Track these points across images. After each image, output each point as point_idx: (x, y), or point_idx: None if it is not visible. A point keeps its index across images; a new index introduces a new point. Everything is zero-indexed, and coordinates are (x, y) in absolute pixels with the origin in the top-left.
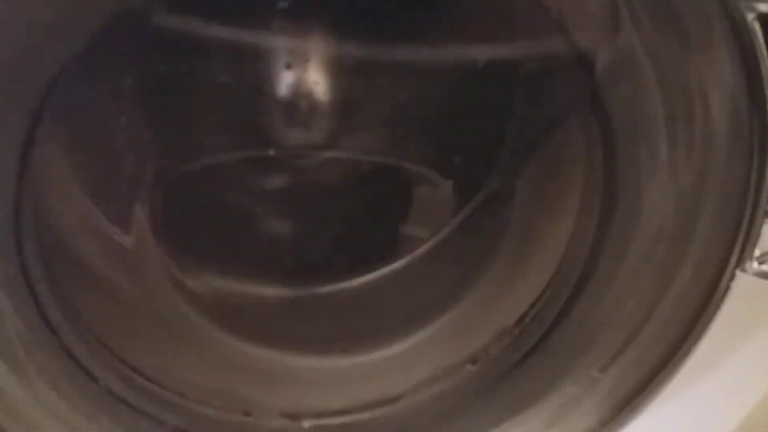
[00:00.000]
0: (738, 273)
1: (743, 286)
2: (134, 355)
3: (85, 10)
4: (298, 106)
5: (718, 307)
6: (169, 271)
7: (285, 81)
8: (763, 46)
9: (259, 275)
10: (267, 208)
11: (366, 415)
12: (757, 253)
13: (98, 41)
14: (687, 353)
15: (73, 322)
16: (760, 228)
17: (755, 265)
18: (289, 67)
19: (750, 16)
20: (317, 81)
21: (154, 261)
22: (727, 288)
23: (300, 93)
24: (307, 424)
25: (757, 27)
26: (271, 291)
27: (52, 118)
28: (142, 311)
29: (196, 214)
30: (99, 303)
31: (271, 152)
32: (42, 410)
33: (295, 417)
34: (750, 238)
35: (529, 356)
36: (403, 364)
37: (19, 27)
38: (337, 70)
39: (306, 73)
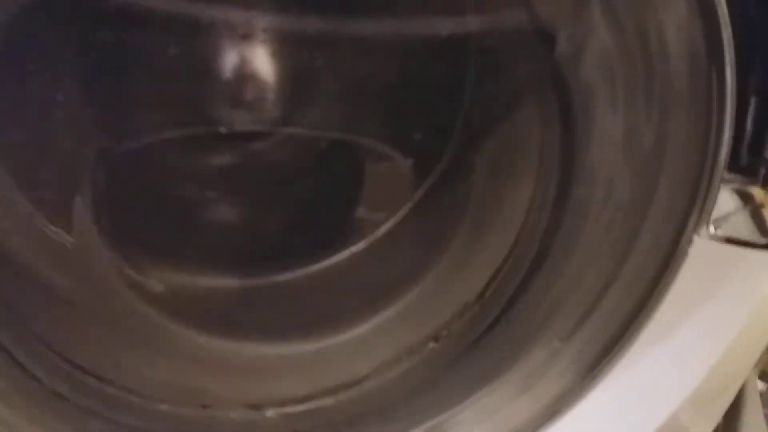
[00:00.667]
0: (695, 238)
1: (700, 251)
2: (81, 355)
3: None
4: (248, 81)
5: (676, 272)
6: (117, 267)
7: (233, 55)
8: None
9: (213, 265)
10: (218, 194)
11: (330, 400)
12: (715, 216)
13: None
14: (647, 318)
15: (12, 322)
16: (717, 192)
17: (712, 229)
18: (237, 39)
19: None
20: (267, 55)
21: (98, 257)
22: (685, 253)
23: (249, 68)
24: (270, 413)
25: None
26: (227, 281)
27: None
28: (87, 309)
29: (141, 203)
30: (39, 302)
31: (221, 129)
32: None
33: (256, 407)
34: (707, 203)
35: (491, 330)
36: (365, 347)
37: None
38: (290, 44)
39: (256, 47)
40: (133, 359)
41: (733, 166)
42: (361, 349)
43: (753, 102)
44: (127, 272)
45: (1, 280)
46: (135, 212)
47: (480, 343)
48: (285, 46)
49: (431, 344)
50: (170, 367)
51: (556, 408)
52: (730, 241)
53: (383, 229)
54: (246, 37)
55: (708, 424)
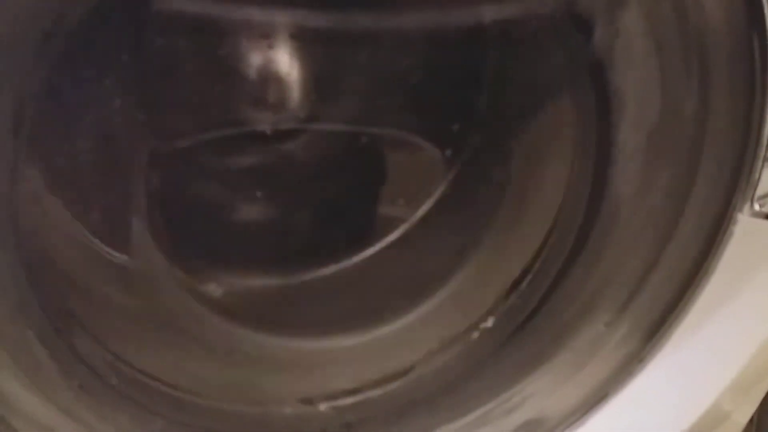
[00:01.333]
0: (740, 216)
1: (744, 229)
2: (144, 360)
3: None
4: (281, 80)
5: (721, 252)
6: (176, 277)
7: (265, 55)
8: None
9: (259, 264)
10: (257, 193)
11: (378, 392)
12: (758, 194)
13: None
14: (692, 300)
15: (83, 333)
16: (761, 169)
17: (756, 207)
18: (269, 40)
19: None
20: (297, 54)
21: (158, 270)
22: (730, 232)
23: (282, 68)
24: (322, 406)
25: None
26: (272, 279)
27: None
28: (149, 318)
29: (190, 209)
30: (105, 315)
31: (257, 129)
32: (57, 412)
33: (309, 401)
34: (751, 180)
35: (534, 315)
36: (409, 338)
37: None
38: (319, 42)
39: (287, 47)
40: (192, 362)
41: None
42: (406, 339)
43: None
44: (186, 280)
45: (67, 298)
46: (185, 218)
47: (524, 329)
48: (315, 45)
49: (474, 333)
50: (227, 368)
51: (604, 391)
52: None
53: (419, 219)
54: (290, 36)
55: (749, 408)
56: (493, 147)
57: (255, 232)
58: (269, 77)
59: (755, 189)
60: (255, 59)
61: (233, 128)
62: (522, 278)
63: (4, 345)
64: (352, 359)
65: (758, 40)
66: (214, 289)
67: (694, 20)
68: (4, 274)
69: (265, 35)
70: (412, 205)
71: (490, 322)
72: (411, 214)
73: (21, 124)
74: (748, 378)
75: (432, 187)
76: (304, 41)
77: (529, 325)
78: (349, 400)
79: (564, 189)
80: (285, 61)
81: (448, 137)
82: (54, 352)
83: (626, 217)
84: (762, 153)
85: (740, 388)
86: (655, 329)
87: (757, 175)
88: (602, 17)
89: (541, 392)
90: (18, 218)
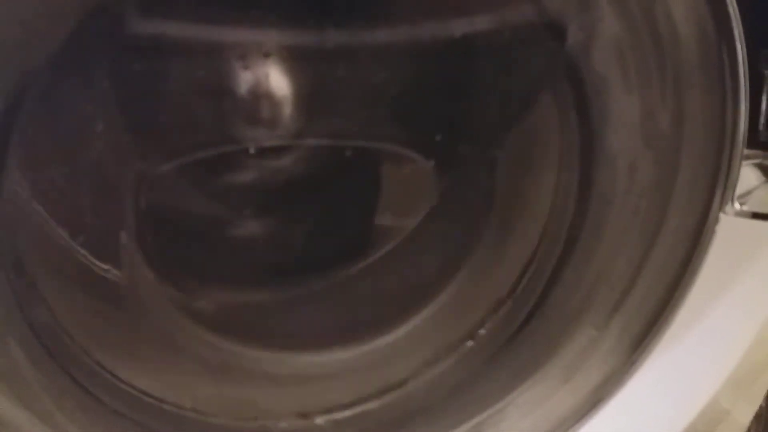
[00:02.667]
0: (722, 215)
1: (727, 228)
2: (135, 375)
3: (57, 13)
4: (270, 97)
5: (705, 252)
6: (167, 292)
7: (254, 73)
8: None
9: (251, 279)
10: (248, 210)
11: (375, 404)
12: (738, 192)
13: (69, 45)
14: (681, 300)
15: (71, 349)
16: (739, 169)
17: (737, 206)
18: (259, 58)
19: None
20: (287, 71)
21: (148, 285)
22: (713, 232)
23: (271, 85)
24: (319, 420)
25: None
26: (264, 294)
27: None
28: (139, 334)
29: (180, 225)
30: (97, 331)
31: (246, 147)
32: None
33: (306, 415)
34: (730, 180)
35: (527, 324)
36: (404, 349)
37: None
38: (308, 58)
39: (276, 64)
40: (186, 377)
41: (752, 142)
42: (400, 351)
43: (767, 77)
44: (176, 296)
45: (64, 310)
46: (175, 236)
47: (517, 338)
48: (304, 61)
49: (469, 342)
50: (221, 383)
51: (598, 396)
52: (756, 216)
53: (410, 231)
54: (267, 54)
55: (749, 407)
56: (478, 156)
57: (246, 247)
58: (253, 96)
59: (734, 188)
60: (236, 79)
61: (219, 148)
62: (514, 288)
63: None
64: (348, 372)
65: (727, 51)
66: (205, 305)
67: (665, 30)
68: None
69: (243, 55)
70: (403, 217)
71: (483, 331)
72: (402, 225)
73: (7, 140)
74: (744, 374)
75: (422, 198)
76: (284, 59)
77: (522, 333)
78: (346, 414)
79: (552, 195)
80: (267, 80)
81: (433, 148)
82: (45, 371)
83: (613, 220)
84: (738, 153)
85: (737, 384)
86: (645, 331)
87: (735, 175)
88: (573, 22)
89: (535, 400)
90: (5, 225)
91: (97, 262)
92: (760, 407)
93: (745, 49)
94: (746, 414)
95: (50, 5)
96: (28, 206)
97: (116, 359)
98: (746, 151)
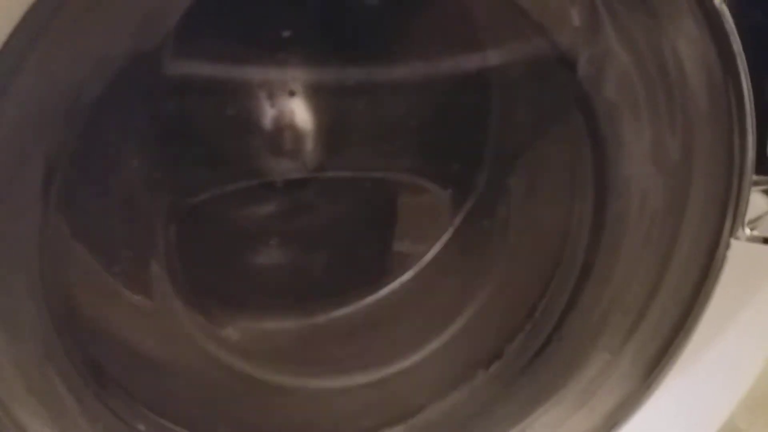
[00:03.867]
0: (732, 241)
1: (739, 253)
2: (171, 409)
3: (105, 59)
4: (293, 133)
5: (717, 277)
6: (195, 322)
7: (278, 110)
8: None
9: (276, 308)
10: (272, 240)
11: (398, 428)
12: (749, 218)
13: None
14: (695, 323)
15: (110, 383)
16: (749, 194)
17: (747, 231)
18: (284, 96)
19: None
20: (309, 108)
21: (182, 318)
22: (724, 257)
23: (294, 121)
24: None
25: None
26: (288, 322)
27: (57, 207)
28: (173, 366)
29: (207, 256)
30: (127, 363)
31: (270, 180)
32: None
33: None
34: (740, 206)
35: (544, 349)
36: (421, 375)
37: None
38: (330, 95)
39: (299, 101)
40: (214, 405)
41: (761, 168)
42: (418, 378)
43: None
44: (204, 325)
45: (92, 347)
46: (203, 266)
47: (534, 363)
48: (326, 98)
49: (484, 369)
50: (244, 409)
51: (613, 420)
52: (766, 241)
53: (428, 258)
54: (292, 93)
55: (765, 427)
56: (493, 185)
57: (270, 277)
58: (278, 131)
59: (744, 214)
60: (263, 116)
61: (246, 181)
62: (531, 314)
63: (33, 392)
64: (369, 397)
65: (732, 84)
66: (231, 333)
67: (672, 64)
68: (33, 322)
69: (270, 94)
70: (422, 246)
71: (500, 357)
72: (421, 254)
73: (50, 183)
74: (760, 396)
75: (440, 227)
76: (308, 97)
77: (539, 359)
78: None
79: (566, 223)
80: (292, 116)
81: (449, 177)
82: (81, 400)
83: (626, 246)
84: (748, 180)
85: (753, 405)
86: (660, 355)
87: (745, 201)
88: (583, 55)
89: (551, 424)
90: (45, 267)
91: (129, 292)
92: None
93: (749, 82)
94: None
95: (97, 52)
96: (68, 244)
97: (148, 389)
98: (755, 177)
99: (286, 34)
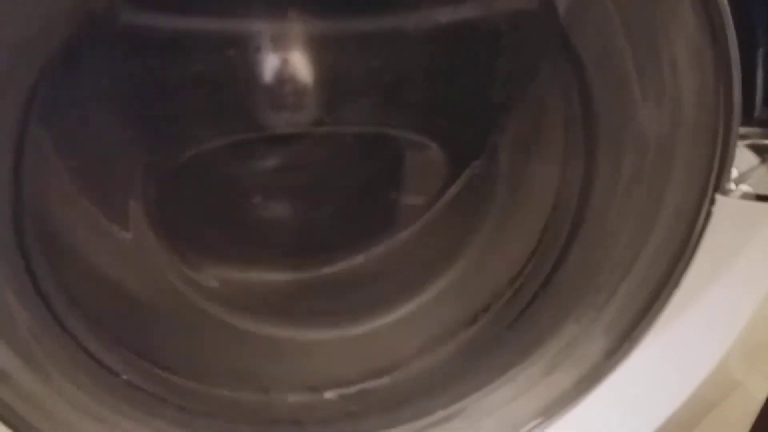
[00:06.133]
0: (718, 197)
1: (725, 210)
2: (150, 349)
3: (53, 22)
4: (278, 86)
5: (701, 233)
6: (173, 265)
7: (260, 63)
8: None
9: (264, 260)
10: (263, 193)
11: (380, 381)
12: (734, 174)
13: (71, 46)
14: (680, 276)
15: (86, 321)
16: (734, 149)
17: (743, 187)
18: (260, 49)
19: None
20: (293, 60)
21: (156, 256)
22: (709, 213)
23: (277, 73)
24: (328, 394)
25: None
26: (279, 274)
27: (39, 124)
28: (151, 305)
29: (192, 205)
30: (108, 301)
31: (261, 134)
32: (70, 407)
33: (314, 389)
34: (726, 161)
35: (529, 306)
36: (410, 329)
37: None
38: (314, 48)
39: (283, 54)
40: (195, 349)
41: (748, 120)
42: (406, 331)
43: (761, 54)
44: (182, 269)
45: (77, 282)
46: (187, 215)
47: (519, 320)
48: (318, 50)
49: (473, 324)
50: (229, 356)
51: (597, 374)
52: (761, 198)
53: (420, 214)
54: (269, 46)
55: (765, 380)
56: (487, 144)
57: (262, 229)
58: (274, 84)
59: (730, 169)
60: (258, 67)
61: (226, 137)
62: (520, 272)
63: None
64: (356, 349)
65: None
66: (209, 280)
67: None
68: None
69: (257, 47)
70: (414, 202)
71: (486, 315)
72: (413, 210)
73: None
74: (754, 343)
75: (432, 184)
76: (279, 49)
77: (525, 315)
78: (353, 389)
79: (557, 185)
80: (291, 67)
81: (448, 135)
82: (60, 344)
83: (615, 205)
84: (733, 134)
85: (748, 354)
86: (647, 308)
87: (730, 156)
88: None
89: (532, 379)
90: (21, 189)
91: (108, 221)
92: None
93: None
94: (761, 387)
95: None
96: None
97: (123, 326)
98: (743, 130)
99: None
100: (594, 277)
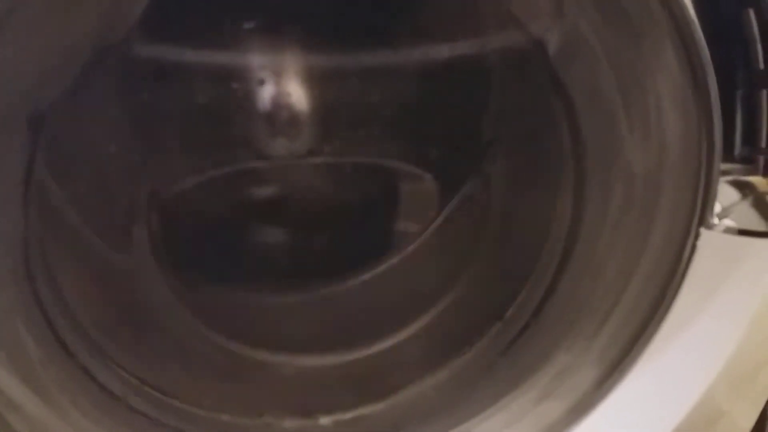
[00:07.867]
0: (702, 231)
1: (709, 244)
2: (149, 372)
3: (70, 56)
4: (278, 117)
5: (687, 265)
6: (175, 290)
7: (262, 95)
8: (702, 37)
9: (260, 284)
10: (260, 219)
11: (375, 407)
12: (717, 209)
13: (81, 78)
14: (666, 310)
15: (88, 344)
16: (716, 185)
17: (716, 221)
18: (263, 82)
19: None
20: (292, 93)
21: (158, 282)
22: (694, 246)
23: (278, 105)
24: (323, 420)
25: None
26: (273, 298)
27: (46, 154)
28: (152, 330)
29: (193, 230)
30: (110, 325)
31: (258, 164)
32: (68, 429)
33: (310, 414)
34: (708, 198)
35: (521, 335)
36: (404, 355)
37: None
38: (315, 82)
39: (281, 86)
40: (195, 375)
41: (729, 157)
42: (400, 357)
43: (740, 95)
44: (183, 294)
45: (80, 305)
46: (187, 241)
47: (511, 349)
48: (320, 84)
49: (465, 351)
50: (228, 382)
51: (587, 403)
52: (743, 233)
53: (414, 241)
54: (268, 79)
55: (752, 408)
56: (479, 175)
57: (259, 254)
58: (271, 115)
59: (713, 205)
60: (257, 99)
61: (230, 167)
62: (512, 301)
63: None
64: (351, 375)
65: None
66: (211, 306)
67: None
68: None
69: (269, 75)
70: (408, 229)
71: (479, 343)
72: (407, 237)
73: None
74: (739, 373)
75: (425, 212)
76: (283, 82)
77: (516, 344)
78: (349, 415)
79: (547, 211)
80: (289, 99)
81: (439, 166)
82: (61, 366)
83: (604, 237)
84: (715, 171)
85: (733, 384)
86: (635, 338)
87: (713, 192)
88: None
89: (524, 408)
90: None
91: (110, 250)
92: (764, 409)
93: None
94: (747, 416)
95: (62, 44)
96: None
97: (125, 351)
98: (724, 167)
99: (248, 25)
100: (584, 306)
